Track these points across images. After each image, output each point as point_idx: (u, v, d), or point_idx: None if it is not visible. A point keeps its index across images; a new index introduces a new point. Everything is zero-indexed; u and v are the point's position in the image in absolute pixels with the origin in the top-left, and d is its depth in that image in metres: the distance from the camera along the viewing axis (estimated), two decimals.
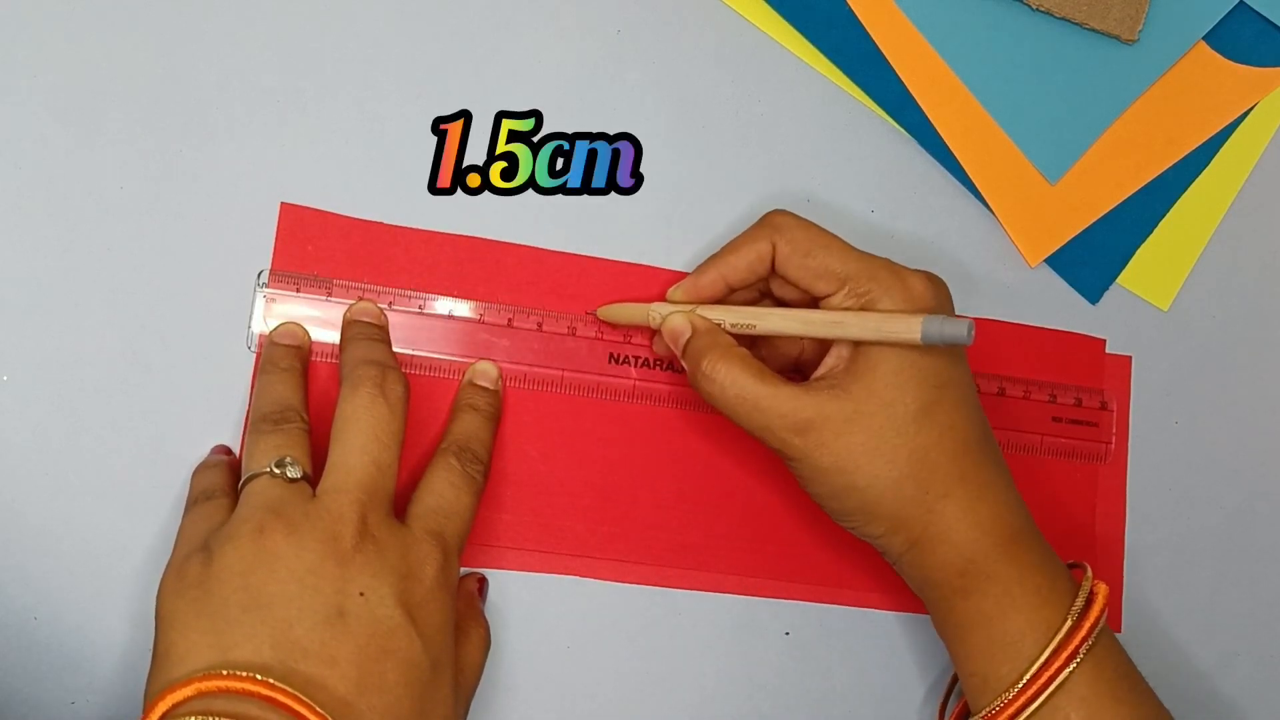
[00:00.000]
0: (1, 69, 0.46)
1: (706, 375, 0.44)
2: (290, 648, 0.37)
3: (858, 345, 0.44)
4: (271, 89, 0.48)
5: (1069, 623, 0.42)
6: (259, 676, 0.36)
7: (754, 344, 0.46)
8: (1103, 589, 0.43)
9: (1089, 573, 0.44)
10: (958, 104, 0.51)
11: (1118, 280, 0.52)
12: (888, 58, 0.51)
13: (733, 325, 0.45)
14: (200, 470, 0.45)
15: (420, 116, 0.48)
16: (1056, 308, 0.52)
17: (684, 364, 0.45)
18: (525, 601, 0.47)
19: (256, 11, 0.48)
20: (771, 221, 0.46)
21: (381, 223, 0.48)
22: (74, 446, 0.45)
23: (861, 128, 0.51)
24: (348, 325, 0.46)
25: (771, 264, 0.45)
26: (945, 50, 0.51)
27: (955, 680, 0.48)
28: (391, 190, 0.48)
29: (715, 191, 0.50)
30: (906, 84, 0.51)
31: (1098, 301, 0.52)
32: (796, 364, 0.47)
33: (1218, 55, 0.53)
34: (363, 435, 0.41)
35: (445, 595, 0.41)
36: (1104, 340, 0.52)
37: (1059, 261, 0.52)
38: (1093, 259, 0.52)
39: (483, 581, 0.47)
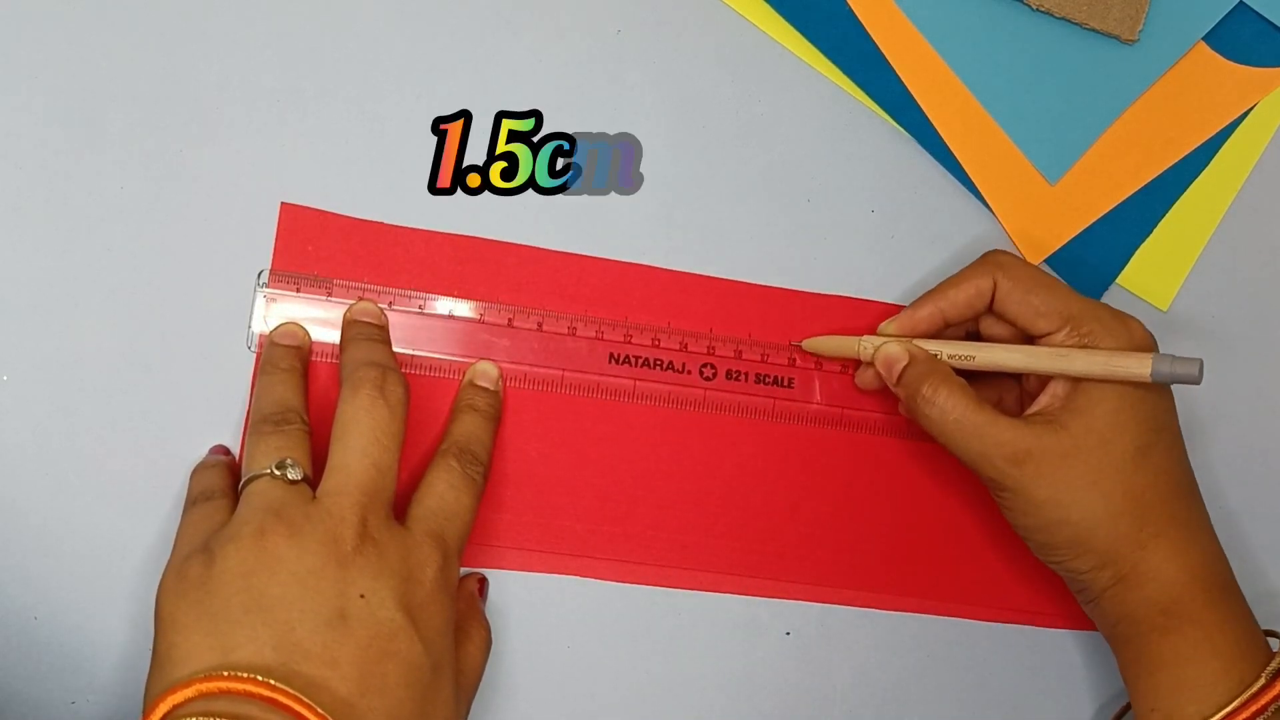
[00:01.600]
0: (1, 69, 0.46)
1: (927, 399, 0.45)
2: (292, 649, 0.37)
3: (1077, 383, 0.45)
4: (271, 89, 0.48)
5: (1262, 680, 0.43)
6: (261, 678, 0.36)
7: None
8: None
9: None
10: (958, 104, 0.51)
11: (1117, 280, 0.52)
12: (888, 58, 0.51)
13: (949, 357, 0.46)
14: (199, 470, 0.45)
15: (420, 116, 0.48)
16: None
17: (899, 391, 0.47)
18: (525, 601, 0.47)
19: (256, 11, 0.48)
20: (993, 259, 0.47)
21: (382, 223, 0.48)
22: (74, 446, 0.45)
23: (861, 128, 0.51)
24: (348, 325, 0.46)
25: (989, 301, 0.47)
26: (945, 50, 0.51)
27: (1123, 713, 0.49)
28: (391, 190, 0.48)
29: (715, 191, 0.50)
30: (906, 84, 0.51)
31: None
32: (997, 406, 0.47)
33: (1217, 55, 0.53)
34: (363, 438, 0.41)
35: (445, 597, 0.41)
36: None
37: (1059, 261, 0.52)
38: (1092, 259, 0.52)
39: (483, 582, 0.47)
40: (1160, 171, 0.53)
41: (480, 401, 0.47)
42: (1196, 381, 0.43)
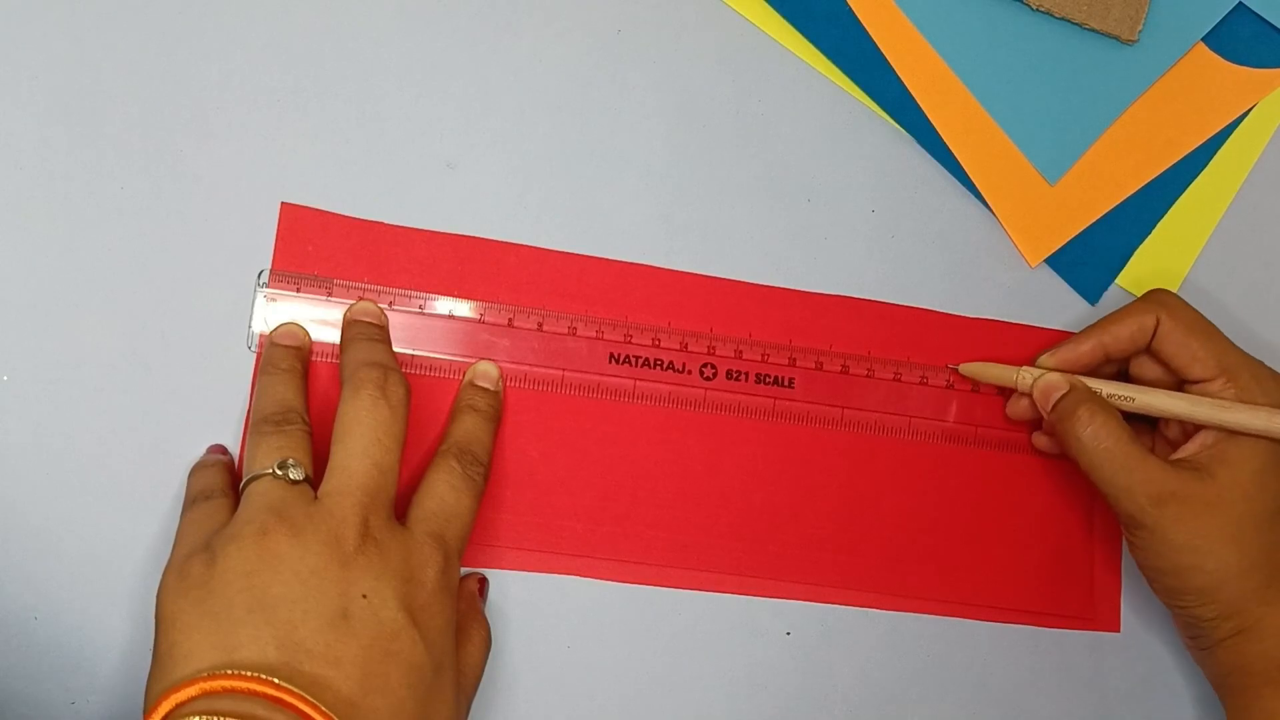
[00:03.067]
0: (1, 69, 0.46)
1: (1083, 421, 0.46)
2: (295, 648, 0.37)
3: (1228, 435, 0.46)
4: (272, 89, 0.48)
5: None
6: (265, 676, 0.36)
7: None
8: None
9: None
10: (958, 104, 0.51)
11: (1117, 280, 0.52)
12: (888, 58, 0.51)
13: (1109, 396, 0.47)
14: (197, 470, 0.45)
15: (420, 116, 0.48)
16: (1056, 308, 0.52)
17: (1051, 417, 0.47)
18: (525, 601, 0.47)
19: (257, 11, 0.48)
20: (1157, 298, 0.48)
21: (382, 222, 0.48)
22: (74, 446, 0.45)
23: (861, 128, 0.51)
24: (348, 325, 0.46)
25: (1150, 339, 0.47)
26: (945, 50, 0.51)
27: None
28: (391, 191, 0.48)
29: (715, 191, 0.50)
30: (906, 84, 0.51)
31: (1097, 302, 0.52)
32: None
33: (1217, 56, 0.53)
34: (364, 438, 0.41)
35: (447, 597, 0.41)
36: None
37: (1059, 262, 0.52)
38: (1092, 259, 0.52)
39: (483, 582, 0.47)
40: (1160, 172, 0.53)
41: (480, 402, 0.47)
42: None
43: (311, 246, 0.47)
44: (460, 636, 0.43)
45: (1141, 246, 0.52)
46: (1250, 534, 0.45)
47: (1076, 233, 0.52)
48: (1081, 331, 0.49)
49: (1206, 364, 0.46)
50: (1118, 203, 0.52)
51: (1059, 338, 0.50)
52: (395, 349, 0.47)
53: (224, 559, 0.38)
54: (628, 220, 0.49)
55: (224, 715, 0.35)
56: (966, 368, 0.50)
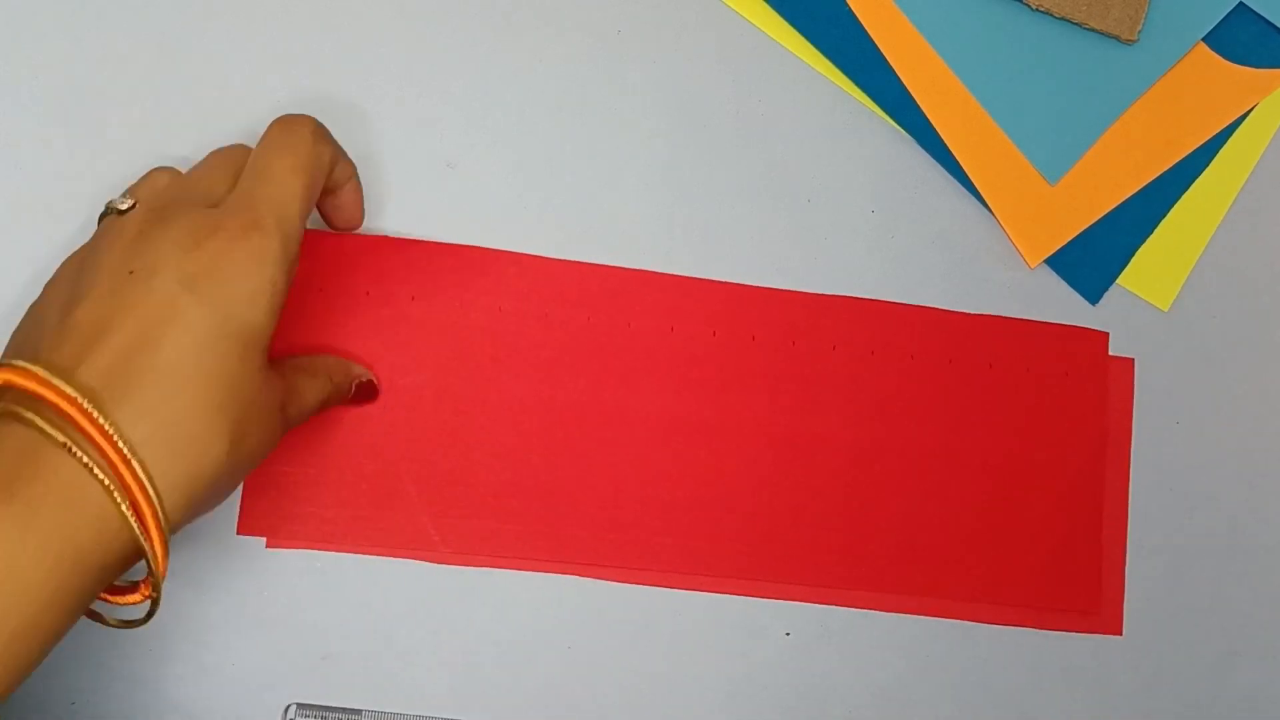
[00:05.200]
0: (1, 69, 0.46)
1: None
2: (56, 334, 0.37)
3: None
4: (272, 88, 0.48)
5: None
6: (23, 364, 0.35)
7: None
8: None
9: None
10: (958, 104, 0.51)
11: (1118, 280, 0.52)
12: (888, 58, 0.51)
13: None
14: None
15: (420, 116, 0.48)
16: (1056, 308, 0.52)
17: None
18: (525, 602, 0.47)
19: (257, 11, 0.48)
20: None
21: (387, 236, 0.48)
22: None
23: (861, 128, 0.51)
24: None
25: None
26: (945, 50, 0.51)
27: None
28: (391, 190, 0.48)
29: (715, 191, 0.50)
30: (906, 84, 0.51)
31: (1098, 302, 0.52)
32: None
33: (1218, 56, 0.53)
34: (207, 159, 0.42)
35: (246, 261, 0.38)
36: (1106, 334, 0.52)
37: (1059, 262, 0.52)
38: (1093, 259, 0.52)
39: (369, 386, 0.46)
40: (1160, 172, 0.53)
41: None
42: None
43: (307, 262, 0.47)
44: (300, 373, 0.43)
45: (1142, 247, 0.52)
46: None
47: (1077, 233, 0.52)
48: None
49: None
50: (1118, 203, 0.52)
51: (1063, 333, 0.50)
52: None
53: (48, 288, 0.40)
54: (627, 220, 0.50)
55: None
56: None
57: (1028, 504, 0.50)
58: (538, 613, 0.48)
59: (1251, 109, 0.53)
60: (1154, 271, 0.52)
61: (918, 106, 0.51)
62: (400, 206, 0.48)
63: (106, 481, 0.34)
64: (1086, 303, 0.52)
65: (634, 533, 0.48)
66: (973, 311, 0.51)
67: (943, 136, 0.51)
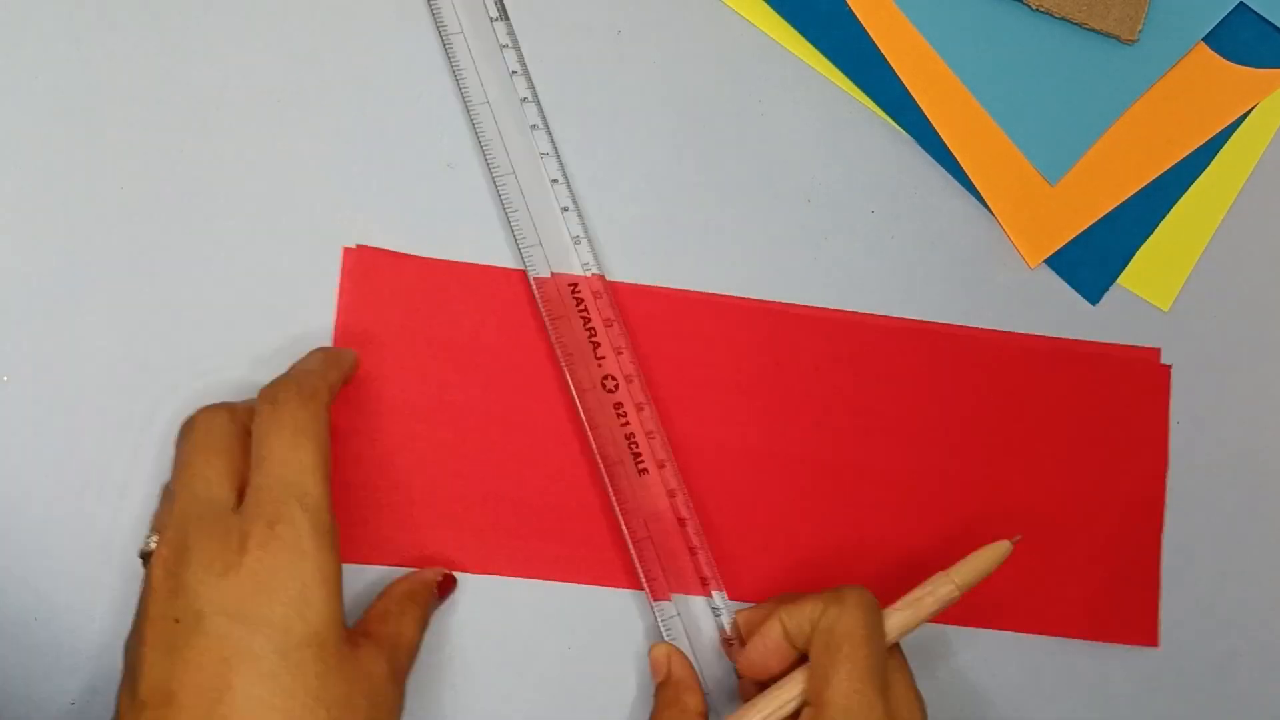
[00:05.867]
0: (2, 69, 0.46)
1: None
2: (130, 697, 0.37)
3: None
4: (272, 88, 0.48)
5: None
6: None
7: None
8: None
9: None
10: (958, 104, 0.51)
11: (1119, 280, 0.52)
12: (888, 58, 0.51)
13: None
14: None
15: (419, 115, 0.48)
16: (1056, 308, 0.52)
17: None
18: (526, 603, 0.47)
19: (257, 11, 0.48)
20: (843, 595, 0.42)
21: (390, 250, 0.48)
22: (74, 446, 0.45)
23: (861, 128, 0.51)
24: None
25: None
26: (945, 50, 0.51)
27: None
28: (390, 190, 0.48)
29: (715, 191, 0.50)
30: (906, 84, 0.51)
31: (1098, 302, 0.52)
32: None
33: (1218, 56, 0.53)
34: (195, 459, 0.40)
35: (285, 560, 0.38)
36: (1158, 350, 0.52)
37: (1059, 262, 0.52)
38: (1093, 259, 0.52)
39: (446, 580, 0.46)
40: (1161, 172, 0.52)
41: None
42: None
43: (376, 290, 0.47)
44: (394, 613, 0.42)
45: (1143, 247, 0.52)
46: None
47: (1077, 233, 0.52)
48: (765, 603, 0.45)
49: (812, 683, 0.40)
50: (1118, 203, 0.52)
51: (1121, 355, 0.51)
52: None
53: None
54: (627, 220, 0.50)
55: None
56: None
57: (1084, 531, 0.50)
58: (539, 615, 0.47)
59: (1251, 109, 0.53)
60: (1154, 271, 0.52)
61: (918, 106, 0.51)
62: (400, 207, 0.48)
63: None
64: (1087, 303, 0.52)
65: (681, 560, 0.48)
66: (972, 311, 0.51)
67: (943, 136, 0.51)
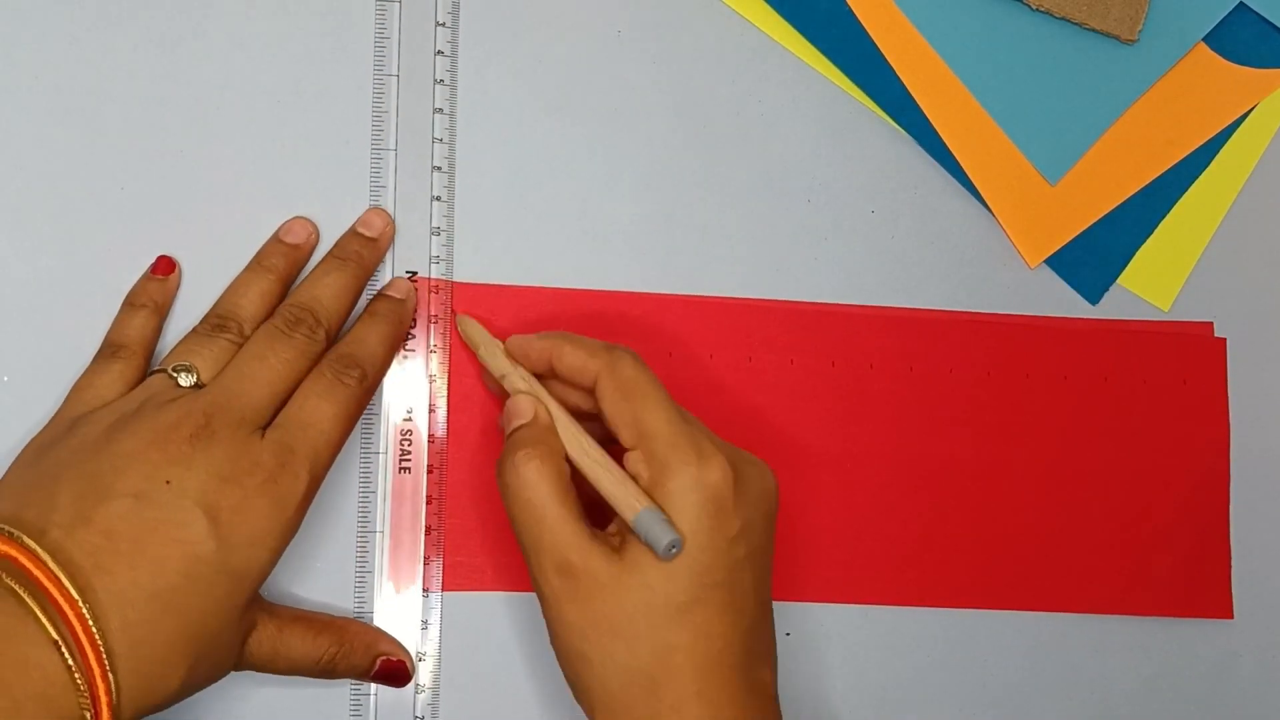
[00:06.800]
0: (2, 69, 0.46)
1: (518, 462, 0.40)
2: (75, 515, 0.38)
3: None
4: (272, 88, 0.48)
5: None
6: (8, 531, 0.37)
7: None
8: None
9: None
10: (958, 104, 0.51)
11: (1119, 280, 0.52)
12: (888, 58, 0.51)
13: (572, 450, 0.42)
14: (127, 309, 0.45)
15: (419, 117, 0.48)
16: (1057, 308, 0.52)
17: (504, 441, 0.42)
18: (527, 605, 0.47)
19: (257, 12, 0.48)
20: (610, 354, 0.42)
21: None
22: None
23: (861, 128, 0.51)
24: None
25: (592, 385, 0.42)
26: (945, 50, 0.51)
27: None
28: (390, 190, 0.48)
29: (715, 191, 0.50)
30: (906, 84, 0.51)
31: (1098, 302, 0.52)
32: None
33: (1218, 56, 0.53)
34: (255, 361, 0.42)
35: (269, 506, 0.40)
36: (1211, 324, 0.52)
37: (1059, 262, 0.52)
38: (1093, 259, 0.52)
39: (397, 666, 0.45)
40: (1161, 172, 0.53)
41: (381, 306, 0.46)
42: (660, 554, 0.38)
43: None
44: (276, 620, 0.43)
45: (1142, 247, 0.52)
46: (641, 630, 0.38)
47: (1077, 233, 0.52)
48: (553, 334, 0.44)
49: (629, 430, 0.40)
50: (1118, 203, 0.52)
51: (1174, 330, 0.51)
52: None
53: (72, 436, 0.40)
54: (627, 220, 0.50)
55: None
56: (465, 323, 0.46)
57: (1153, 509, 0.51)
58: (539, 617, 0.47)
59: (1251, 109, 0.53)
60: (1154, 271, 0.52)
61: (918, 106, 0.51)
62: (400, 207, 0.48)
63: (80, 683, 0.35)
64: (1087, 303, 0.52)
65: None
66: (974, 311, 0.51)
67: (943, 136, 0.51)
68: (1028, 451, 0.50)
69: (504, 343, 0.45)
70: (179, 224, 0.47)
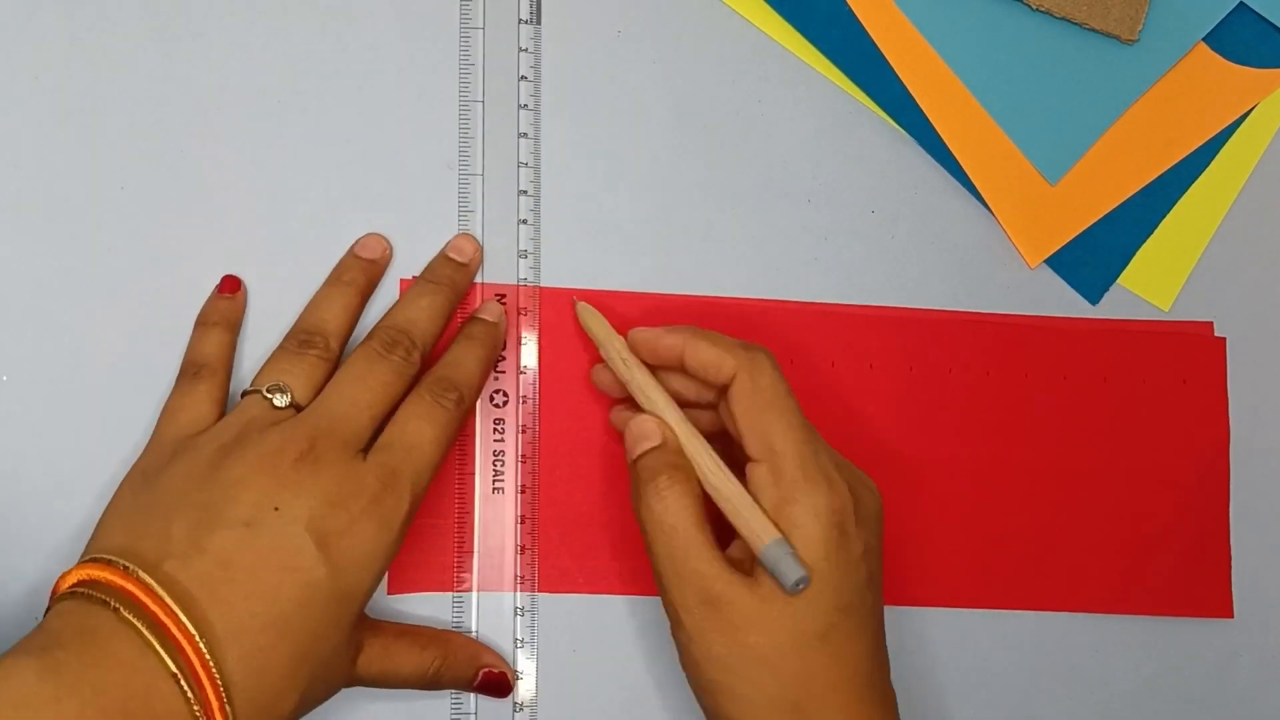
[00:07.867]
0: (2, 69, 0.46)
1: (658, 493, 0.40)
2: (189, 545, 0.38)
3: None
4: (272, 89, 0.48)
5: None
6: (117, 562, 0.37)
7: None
8: None
9: None
10: (958, 104, 0.51)
11: (1119, 280, 0.52)
12: (888, 58, 0.51)
13: (699, 465, 0.42)
14: (200, 330, 0.45)
15: (419, 114, 0.48)
16: (1057, 308, 0.52)
17: (632, 469, 0.42)
18: (527, 608, 0.47)
19: (257, 12, 0.48)
20: (750, 353, 0.42)
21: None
22: (74, 446, 0.45)
23: (861, 128, 0.51)
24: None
25: (726, 385, 0.42)
26: (945, 50, 0.51)
27: None
28: (389, 190, 0.48)
29: (715, 191, 0.50)
30: (906, 84, 0.51)
31: (1098, 302, 0.52)
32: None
33: (1218, 56, 0.53)
34: (354, 384, 0.42)
35: (374, 529, 0.40)
36: (1211, 323, 0.52)
37: (1059, 262, 0.52)
38: (1093, 259, 0.52)
39: (491, 676, 0.46)
40: (1161, 172, 0.53)
41: (474, 329, 0.46)
42: (788, 590, 0.38)
43: None
44: (388, 639, 0.43)
45: (1142, 247, 0.52)
46: (788, 657, 0.39)
47: (1077, 233, 0.52)
48: (682, 329, 0.43)
49: (758, 441, 0.41)
50: (1119, 203, 0.52)
51: (1173, 330, 0.51)
52: None
53: (177, 463, 0.40)
54: (626, 220, 0.50)
55: (91, 596, 0.37)
56: (584, 311, 0.46)
57: (1154, 508, 0.51)
58: (540, 617, 0.48)
59: (1251, 109, 0.53)
60: (1154, 271, 0.52)
61: (918, 106, 0.51)
62: (400, 208, 0.48)
63: (199, 716, 0.36)
64: (1087, 303, 0.52)
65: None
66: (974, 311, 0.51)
67: (943, 136, 0.51)
68: (1028, 451, 0.50)
69: (626, 336, 0.45)
70: (179, 224, 0.47)
